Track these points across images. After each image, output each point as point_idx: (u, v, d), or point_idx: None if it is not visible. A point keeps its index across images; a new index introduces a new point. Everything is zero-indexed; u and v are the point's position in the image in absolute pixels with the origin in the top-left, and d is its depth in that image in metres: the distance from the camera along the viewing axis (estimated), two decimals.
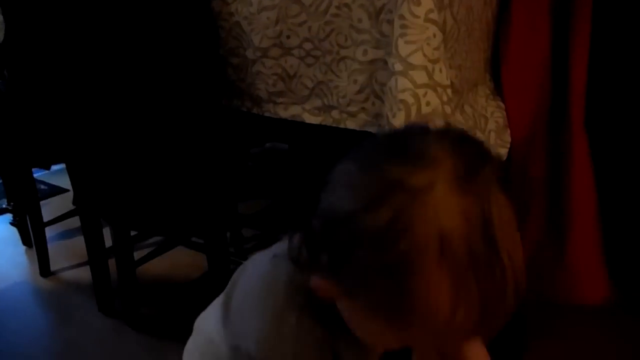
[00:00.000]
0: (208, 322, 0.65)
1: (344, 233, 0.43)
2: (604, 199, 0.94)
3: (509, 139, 1.00)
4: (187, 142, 1.08)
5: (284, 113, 0.96)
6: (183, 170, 1.11)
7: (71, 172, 1.31)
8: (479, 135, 0.95)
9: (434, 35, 0.76)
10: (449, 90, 0.79)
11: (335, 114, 0.90)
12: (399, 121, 0.79)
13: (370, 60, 0.83)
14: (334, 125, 0.91)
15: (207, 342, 0.63)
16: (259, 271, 0.54)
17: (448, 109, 0.78)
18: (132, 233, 1.37)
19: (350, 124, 0.87)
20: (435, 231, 0.39)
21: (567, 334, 1.20)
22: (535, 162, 0.99)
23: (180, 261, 1.58)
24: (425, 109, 0.78)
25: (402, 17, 0.76)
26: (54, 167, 2.46)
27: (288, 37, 0.90)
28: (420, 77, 0.77)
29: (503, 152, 0.99)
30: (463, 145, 0.43)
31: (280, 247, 0.55)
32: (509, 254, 0.41)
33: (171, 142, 1.07)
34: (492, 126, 0.98)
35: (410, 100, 0.78)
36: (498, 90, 1.03)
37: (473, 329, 0.42)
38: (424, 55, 0.75)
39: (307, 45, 0.89)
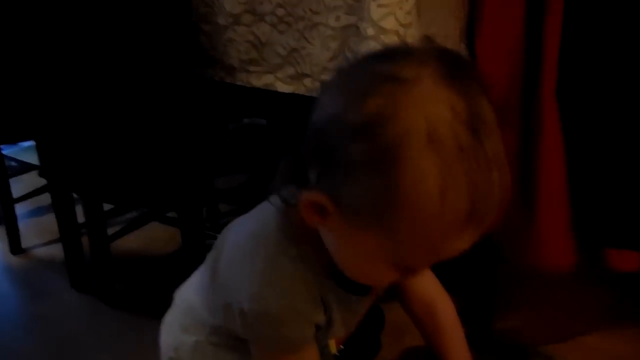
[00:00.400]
0: (188, 291, 0.65)
1: (334, 132, 0.43)
2: (574, 167, 0.96)
3: None
4: (160, 113, 1.06)
5: (256, 82, 0.95)
6: (156, 142, 1.09)
7: (40, 144, 1.28)
8: None
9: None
10: None
11: (307, 82, 0.89)
12: None
13: (343, 27, 0.82)
14: (307, 94, 0.90)
15: (187, 311, 0.63)
16: (246, 229, 0.54)
17: None
18: (106, 208, 1.35)
19: None
20: (422, 118, 0.40)
21: (534, 302, 1.24)
22: (508, 131, 1.00)
23: (154, 236, 1.57)
24: None
25: None
26: (24, 144, 2.40)
27: (260, 3, 0.89)
28: (392, 41, 0.76)
29: None
30: (446, 52, 0.45)
31: (261, 208, 0.55)
32: (493, 148, 0.42)
33: (144, 112, 1.06)
34: None
35: None
36: (472, 60, 1.03)
37: (463, 224, 0.41)
38: (396, 19, 0.75)
39: (280, 12, 0.88)
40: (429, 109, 0.41)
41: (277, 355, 0.51)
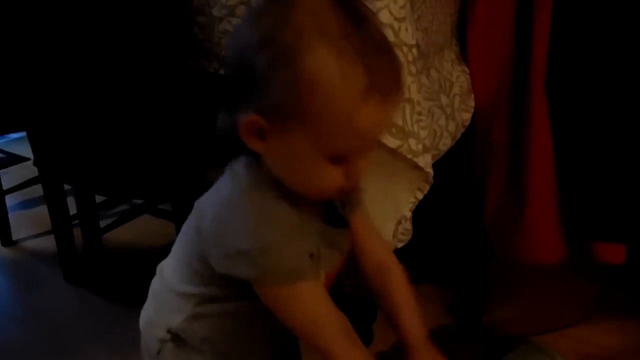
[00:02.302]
0: (164, 277, 0.66)
1: (244, 56, 0.50)
2: (562, 161, 0.97)
3: (473, 104, 1.02)
4: (154, 104, 1.06)
5: None
6: (150, 133, 1.09)
7: (32, 135, 1.27)
8: (444, 99, 0.96)
9: None
10: (414, 50, 0.79)
11: None
12: None
13: None
14: None
15: (169, 294, 0.64)
16: (221, 195, 0.57)
17: (413, 69, 0.79)
18: (98, 200, 1.35)
19: None
20: (309, 18, 0.48)
21: (523, 295, 1.26)
22: (498, 126, 1.01)
23: (146, 229, 1.57)
24: None
25: None
26: (13, 135, 2.38)
27: None
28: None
29: (467, 116, 1.01)
30: None
31: (225, 178, 0.59)
32: (376, 35, 0.51)
33: (137, 103, 1.05)
34: (456, 90, 0.99)
35: None
36: (463, 55, 1.04)
37: (367, 96, 0.48)
38: (390, 13, 0.75)
39: None
40: (314, 9, 0.49)
41: (281, 290, 0.54)
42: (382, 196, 0.85)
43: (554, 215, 0.99)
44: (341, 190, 0.54)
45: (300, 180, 0.54)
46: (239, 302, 0.59)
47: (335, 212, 0.60)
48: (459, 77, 1.01)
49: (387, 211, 0.86)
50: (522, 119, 0.98)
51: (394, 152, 0.81)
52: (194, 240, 0.59)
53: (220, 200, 0.56)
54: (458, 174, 1.09)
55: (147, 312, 0.68)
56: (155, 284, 0.68)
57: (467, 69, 1.03)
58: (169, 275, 0.65)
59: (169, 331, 0.63)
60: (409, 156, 0.80)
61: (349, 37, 0.48)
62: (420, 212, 0.90)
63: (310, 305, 0.56)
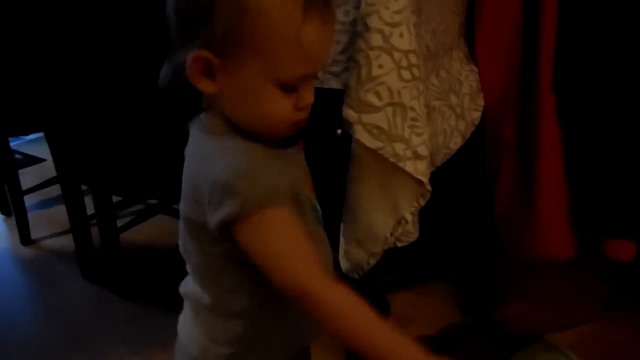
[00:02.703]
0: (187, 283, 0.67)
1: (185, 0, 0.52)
2: (572, 158, 0.98)
3: (482, 102, 1.03)
4: (169, 106, 1.08)
5: None
6: (165, 135, 1.11)
7: (50, 136, 1.30)
8: (454, 98, 0.97)
9: None
10: (411, 55, 0.79)
11: (319, 74, 0.91)
12: (353, 81, 0.81)
13: (351, 21, 0.83)
14: (317, 86, 0.92)
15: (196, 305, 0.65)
16: (189, 156, 0.59)
17: (407, 74, 0.79)
18: (114, 200, 1.38)
19: (334, 84, 0.88)
20: None
21: (534, 292, 1.26)
22: (507, 124, 1.02)
23: (161, 229, 1.59)
24: (376, 71, 0.79)
25: None
26: (29, 137, 2.42)
27: None
28: (375, 39, 0.78)
29: (476, 115, 1.02)
30: None
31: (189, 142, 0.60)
32: None
33: (152, 105, 1.07)
34: (466, 90, 1.00)
35: (362, 61, 0.79)
36: (472, 55, 1.05)
37: (307, 11, 0.50)
38: (380, 18, 0.76)
39: None
40: None
41: (257, 218, 0.52)
42: (380, 191, 0.85)
43: (563, 212, 0.99)
44: (293, 122, 0.56)
45: (254, 115, 0.55)
46: (253, 302, 0.60)
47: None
48: (468, 77, 1.02)
49: (384, 207, 0.86)
50: (530, 116, 0.98)
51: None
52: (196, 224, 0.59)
53: (191, 158, 0.58)
54: (468, 172, 1.10)
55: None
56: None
57: (475, 69, 1.03)
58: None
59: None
60: (391, 159, 0.81)
61: None
62: (431, 210, 0.91)
63: (288, 232, 0.54)
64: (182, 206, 0.60)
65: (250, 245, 0.53)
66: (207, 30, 0.51)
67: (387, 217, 0.87)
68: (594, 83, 0.94)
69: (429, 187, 0.85)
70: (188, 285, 0.67)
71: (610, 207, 0.97)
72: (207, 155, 0.56)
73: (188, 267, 0.66)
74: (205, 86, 0.54)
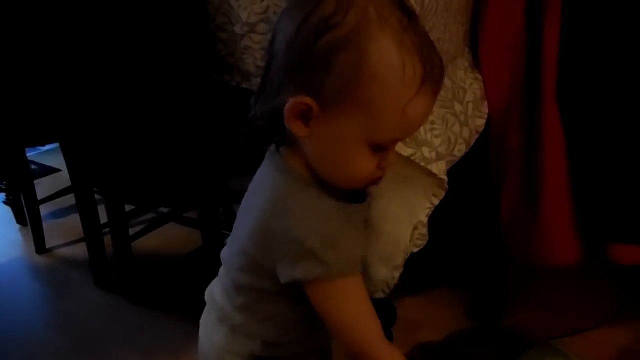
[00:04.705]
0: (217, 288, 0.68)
1: (300, 41, 0.51)
2: (576, 164, 0.98)
3: (487, 110, 1.04)
4: (180, 116, 1.10)
5: None
6: (177, 145, 1.14)
7: (65, 147, 1.33)
8: (458, 106, 0.99)
9: None
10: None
11: None
12: None
13: None
14: None
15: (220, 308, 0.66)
16: (262, 203, 0.58)
17: None
18: (127, 209, 1.40)
19: None
20: (370, 5, 0.50)
21: (542, 298, 1.26)
22: (512, 132, 1.03)
23: (172, 237, 1.62)
24: None
25: None
26: (45, 148, 2.47)
27: (275, 12, 0.93)
28: None
29: (481, 122, 1.03)
30: None
31: (257, 183, 0.61)
32: (422, 28, 0.54)
33: (165, 116, 1.10)
34: (470, 98, 1.02)
35: None
36: (476, 63, 1.06)
37: (422, 86, 0.51)
38: None
39: None
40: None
41: (333, 285, 0.55)
42: (398, 201, 0.87)
43: (569, 217, 1.00)
44: (372, 179, 0.56)
45: (338, 167, 0.55)
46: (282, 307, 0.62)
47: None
48: (472, 85, 1.03)
49: (404, 216, 0.89)
50: (534, 124, 0.99)
51: (407, 160, 0.83)
52: (238, 260, 0.61)
53: (264, 209, 0.57)
54: (474, 179, 1.11)
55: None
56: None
57: (479, 77, 1.05)
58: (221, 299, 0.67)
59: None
60: (422, 164, 0.83)
61: (407, 30, 0.50)
62: (438, 217, 0.92)
63: (358, 299, 0.57)
64: (245, 240, 0.59)
65: (324, 306, 0.57)
66: (318, 80, 0.51)
67: (406, 225, 0.89)
68: (598, 91, 0.95)
69: (446, 186, 0.87)
70: (215, 293, 0.68)
71: (615, 212, 0.97)
72: (289, 209, 0.55)
73: (223, 272, 0.68)
74: (298, 129, 0.53)
